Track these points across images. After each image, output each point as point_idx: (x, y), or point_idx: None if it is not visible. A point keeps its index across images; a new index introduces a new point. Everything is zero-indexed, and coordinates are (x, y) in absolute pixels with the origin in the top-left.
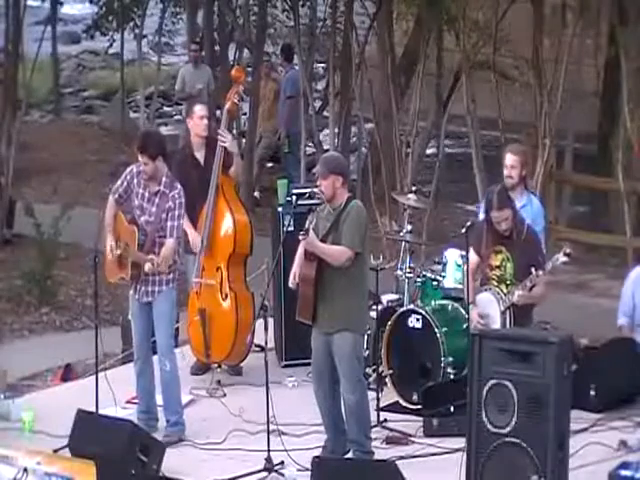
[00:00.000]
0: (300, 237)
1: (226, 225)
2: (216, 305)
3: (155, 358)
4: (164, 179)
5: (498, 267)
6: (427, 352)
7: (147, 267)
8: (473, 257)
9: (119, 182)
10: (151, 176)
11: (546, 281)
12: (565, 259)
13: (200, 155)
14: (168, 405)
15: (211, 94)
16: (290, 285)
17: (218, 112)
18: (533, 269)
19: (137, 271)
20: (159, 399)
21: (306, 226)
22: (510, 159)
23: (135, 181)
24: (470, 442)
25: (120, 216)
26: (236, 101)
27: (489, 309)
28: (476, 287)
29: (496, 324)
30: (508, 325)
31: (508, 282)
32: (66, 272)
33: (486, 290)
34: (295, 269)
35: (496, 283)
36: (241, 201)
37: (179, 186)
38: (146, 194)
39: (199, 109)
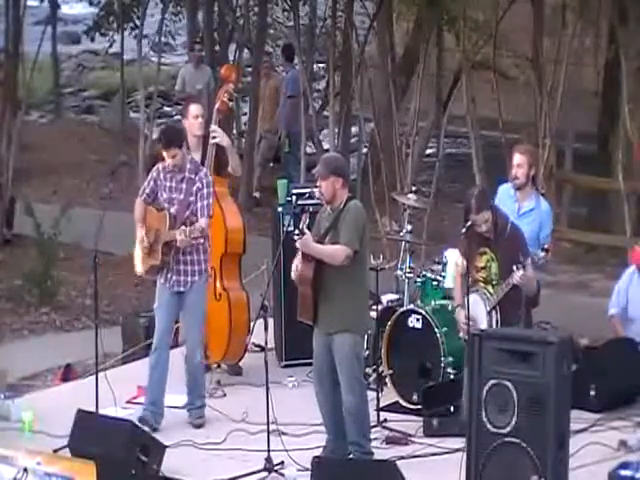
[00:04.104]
0: (295, 238)
1: (217, 227)
2: (211, 305)
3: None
4: (188, 165)
5: (483, 268)
6: (427, 352)
7: (179, 237)
8: (462, 261)
9: (145, 183)
10: (181, 166)
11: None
12: (543, 254)
13: (196, 155)
14: (195, 391)
15: (211, 94)
16: (293, 276)
17: None
18: (514, 267)
19: (167, 256)
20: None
21: (300, 226)
22: (517, 158)
23: (162, 176)
24: (470, 442)
25: (150, 209)
26: (226, 100)
27: (476, 310)
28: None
29: (483, 324)
30: (494, 325)
31: (494, 282)
32: (66, 272)
33: (474, 292)
34: (296, 262)
35: (483, 284)
36: (234, 201)
37: (204, 168)
38: (173, 185)
39: (194, 108)
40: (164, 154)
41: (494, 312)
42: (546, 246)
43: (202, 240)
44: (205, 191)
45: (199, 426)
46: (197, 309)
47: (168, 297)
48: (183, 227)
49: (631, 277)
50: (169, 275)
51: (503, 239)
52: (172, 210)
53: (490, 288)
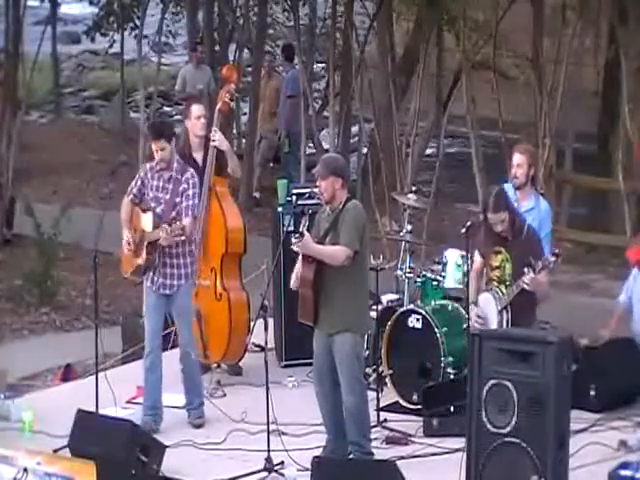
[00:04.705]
0: (294, 240)
1: (217, 227)
2: (211, 306)
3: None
4: (175, 165)
5: (498, 267)
6: (427, 352)
7: (162, 235)
8: (478, 257)
9: (133, 183)
10: (168, 162)
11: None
12: (553, 259)
13: (198, 156)
14: (193, 390)
15: (211, 94)
16: (292, 286)
17: None
18: (525, 269)
19: (152, 255)
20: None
21: (300, 229)
22: (516, 158)
23: (149, 175)
24: (470, 442)
25: (136, 210)
26: (227, 100)
27: (487, 309)
28: (481, 287)
29: (493, 324)
30: (505, 325)
31: (507, 283)
32: (66, 272)
33: (488, 291)
34: (297, 270)
35: (496, 283)
36: (235, 201)
37: (191, 169)
38: (160, 184)
39: (196, 109)
40: (152, 146)
41: (505, 312)
42: (557, 251)
43: (183, 238)
44: (191, 192)
45: (199, 426)
46: (185, 311)
47: (155, 300)
48: (165, 225)
49: (635, 277)
50: (155, 277)
51: (520, 240)
52: (158, 210)
53: (503, 288)
